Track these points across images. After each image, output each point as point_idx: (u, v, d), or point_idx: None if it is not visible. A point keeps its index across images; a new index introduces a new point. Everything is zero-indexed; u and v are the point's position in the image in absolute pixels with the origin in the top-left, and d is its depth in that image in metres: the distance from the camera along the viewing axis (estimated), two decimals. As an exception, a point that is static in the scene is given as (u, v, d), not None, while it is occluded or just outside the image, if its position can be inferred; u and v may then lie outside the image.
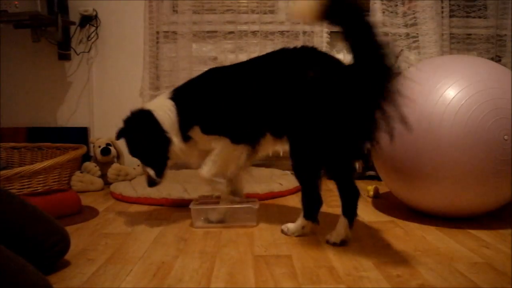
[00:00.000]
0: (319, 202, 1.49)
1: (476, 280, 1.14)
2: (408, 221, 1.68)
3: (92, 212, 1.86)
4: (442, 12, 2.59)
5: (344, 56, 2.75)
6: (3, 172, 1.97)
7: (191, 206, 1.66)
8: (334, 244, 1.42)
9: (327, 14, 1.33)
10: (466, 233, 1.53)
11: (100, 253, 1.37)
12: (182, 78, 2.46)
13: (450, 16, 2.61)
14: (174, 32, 2.64)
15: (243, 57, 2.63)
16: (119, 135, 1.67)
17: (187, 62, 2.62)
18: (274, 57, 1.57)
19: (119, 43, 2.77)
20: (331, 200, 2.07)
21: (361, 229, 1.60)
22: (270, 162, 2.67)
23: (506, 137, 1.49)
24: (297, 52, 1.53)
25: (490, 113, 1.49)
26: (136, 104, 1.95)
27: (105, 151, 2.45)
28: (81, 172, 2.38)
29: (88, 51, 2.76)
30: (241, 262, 1.29)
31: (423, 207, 1.71)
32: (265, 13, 2.66)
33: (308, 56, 1.52)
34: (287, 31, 2.64)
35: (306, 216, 1.51)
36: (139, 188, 2.12)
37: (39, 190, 2.00)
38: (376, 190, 2.11)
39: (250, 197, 1.81)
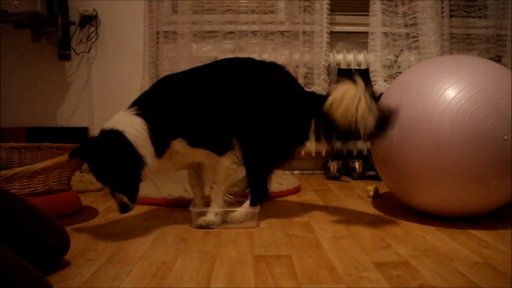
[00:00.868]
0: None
1: (476, 280, 1.14)
2: (408, 221, 1.68)
3: (92, 212, 1.86)
4: (442, 12, 2.59)
5: (344, 56, 2.76)
6: (3, 172, 1.97)
7: (191, 208, 1.66)
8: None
9: None
10: (466, 233, 1.53)
11: (100, 253, 1.37)
12: (182, 78, 2.46)
13: (450, 16, 2.61)
14: (174, 32, 2.64)
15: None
16: (83, 159, 1.56)
17: (187, 62, 2.62)
18: (222, 66, 1.72)
19: (119, 43, 2.77)
20: (331, 200, 2.08)
21: (361, 229, 1.60)
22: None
23: (506, 137, 1.49)
24: (244, 64, 1.74)
25: (490, 113, 1.49)
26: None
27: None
28: (81, 172, 2.38)
29: (88, 51, 2.76)
30: (241, 262, 1.29)
31: (423, 207, 1.71)
32: (265, 13, 2.66)
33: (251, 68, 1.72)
34: (287, 31, 2.64)
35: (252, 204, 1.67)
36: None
37: (39, 190, 2.00)
38: (376, 190, 2.11)
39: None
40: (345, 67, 2.66)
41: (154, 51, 2.67)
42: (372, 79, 2.54)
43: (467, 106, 1.51)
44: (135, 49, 2.72)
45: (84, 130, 2.76)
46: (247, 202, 1.68)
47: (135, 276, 1.19)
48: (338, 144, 2.72)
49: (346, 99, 1.50)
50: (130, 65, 2.73)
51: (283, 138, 1.67)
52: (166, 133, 1.55)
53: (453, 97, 1.53)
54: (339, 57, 2.68)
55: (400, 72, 2.52)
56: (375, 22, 2.58)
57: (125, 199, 1.51)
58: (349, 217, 1.76)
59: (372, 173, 2.56)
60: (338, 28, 2.75)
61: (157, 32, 2.67)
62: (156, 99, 1.62)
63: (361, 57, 2.68)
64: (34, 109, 2.82)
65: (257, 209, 1.66)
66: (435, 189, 1.58)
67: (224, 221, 1.65)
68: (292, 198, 2.14)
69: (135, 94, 1.71)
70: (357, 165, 2.63)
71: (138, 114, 1.53)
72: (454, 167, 1.51)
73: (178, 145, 1.58)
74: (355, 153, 2.73)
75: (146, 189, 2.08)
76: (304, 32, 2.63)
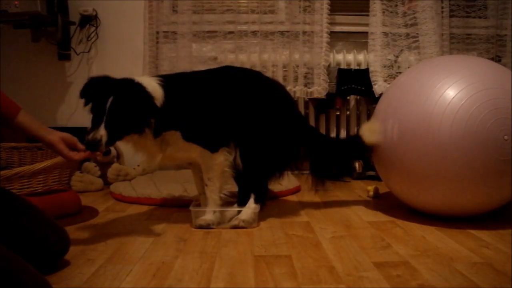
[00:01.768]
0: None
1: (476, 280, 1.14)
2: (408, 221, 1.68)
3: (92, 212, 1.86)
4: (442, 12, 2.59)
5: (344, 56, 2.77)
6: (3, 172, 1.97)
7: (191, 208, 1.66)
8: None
9: None
10: (466, 233, 1.53)
11: (100, 253, 1.37)
12: (182, 78, 2.46)
13: (450, 16, 2.61)
14: (174, 32, 2.64)
15: (243, 57, 2.63)
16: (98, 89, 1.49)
17: (187, 62, 2.62)
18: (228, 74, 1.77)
19: (119, 43, 2.77)
20: (331, 200, 2.08)
21: (361, 229, 1.60)
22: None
23: (506, 137, 1.49)
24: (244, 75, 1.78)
25: (490, 113, 1.49)
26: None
27: (105, 151, 2.45)
28: (81, 172, 2.38)
29: (88, 51, 2.76)
30: (241, 262, 1.29)
31: (423, 207, 1.71)
32: (265, 13, 2.66)
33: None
34: (287, 31, 2.64)
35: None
36: (139, 188, 2.12)
37: (39, 190, 2.00)
38: (376, 190, 2.11)
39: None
40: (345, 67, 2.66)
41: (154, 51, 2.67)
42: (372, 79, 2.54)
43: (467, 106, 1.51)
44: (135, 49, 2.72)
45: (84, 130, 2.74)
46: (251, 201, 1.68)
47: (135, 276, 1.19)
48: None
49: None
50: (130, 65, 2.73)
51: (274, 155, 1.72)
52: (164, 121, 1.55)
53: (453, 97, 1.53)
54: (339, 57, 2.68)
55: (400, 72, 2.52)
56: (375, 22, 2.58)
57: (104, 139, 1.42)
58: (349, 217, 1.76)
59: (372, 173, 2.56)
60: (338, 28, 2.75)
61: (157, 32, 2.67)
62: (174, 87, 1.62)
63: (361, 57, 2.68)
64: (34, 109, 2.81)
65: (257, 209, 1.66)
66: (435, 189, 1.58)
67: (234, 226, 1.62)
68: (292, 198, 2.14)
69: (135, 94, 1.70)
70: (357, 165, 2.63)
71: (162, 85, 1.56)
72: (454, 167, 1.51)
73: (172, 137, 1.58)
74: (355, 153, 2.73)
75: (146, 189, 2.08)
76: (304, 32, 2.63)
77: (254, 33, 2.64)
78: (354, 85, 2.58)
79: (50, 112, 2.81)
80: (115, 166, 2.44)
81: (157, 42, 2.68)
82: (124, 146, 1.68)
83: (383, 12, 2.58)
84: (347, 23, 2.77)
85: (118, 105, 1.43)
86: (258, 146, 1.68)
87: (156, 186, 2.17)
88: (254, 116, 1.68)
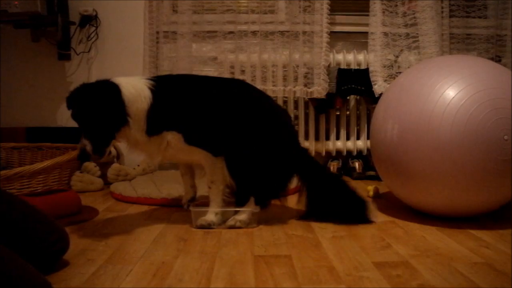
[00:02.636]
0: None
1: (476, 280, 1.14)
2: (408, 221, 1.68)
3: (92, 212, 1.86)
4: (442, 12, 2.59)
5: (344, 56, 2.77)
6: (3, 172, 1.97)
7: (191, 208, 1.66)
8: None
9: None
10: (466, 233, 1.53)
11: (100, 253, 1.37)
12: (182, 78, 2.46)
13: (450, 16, 2.61)
14: (174, 32, 2.64)
15: (243, 57, 2.63)
16: (71, 100, 1.55)
17: (187, 62, 2.62)
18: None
19: (119, 43, 2.77)
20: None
21: (361, 229, 1.60)
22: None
23: (506, 137, 1.49)
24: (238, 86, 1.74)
25: (490, 113, 1.49)
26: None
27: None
28: (81, 172, 2.38)
29: (88, 51, 2.76)
30: (241, 262, 1.29)
31: (423, 207, 1.71)
32: (265, 13, 2.66)
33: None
34: (287, 31, 2.64)
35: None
36: (139, 188, 2.12)
37: (39, 190, 2.00)
38: (376, 190, 2.11)
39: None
40: (345, 67, 2.66)
41: (154, 51, 2.67)
42: (372, 79, 2.54)
43: (467, 106, 1.51)
44: (135, 49, 2.72)
45: (84, 130, 2.76)
46: (251, 203, 1.67)
47: (135, 276, 1.19)
48: (338, 144, 2.73)
49: None
50: (130, 65, 2.73)
51: (264, 167, 1.64)
52: (163, 119, 1.56)
53: (453, 97, 1.53)
54: (339, 57, 2.68)
55: (400, 72, 2.52)
56: (375, 22, 2.58)
57: (89, 147, 1.48)
58: (349, 217, 1.76)
59: (372, 173, 2.56)
60: (338, 28, 2.75)
61: (157, 32, 2.67)
62: (171, 86, 1.63)
63: (361, 57, 2.68)
64: (34, 109, 2.81)
65: (257, 209, 1.66)
66: (435, 189, 1.58)
67: (230, 226, 1.62)
68: (292, 198, 2.14)
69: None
70: (357, 165, 2.63)
71: (149, 87, 1.56)
72: (454, 167, 1.51)
73: (173, 138, 1.58)
74: (355, 153, 2.73)
75: (146, 189, 2.08)
76: (304, 32, 2.63)
77: (254, 33, 2.64)
78: (354, 85, 2.59)
79: (50, 112, 2.81)
80: (115, 166, 2.44)
81: (157, 42, 2.68)
82: (123, 146, 1.68)
83: (383, 12, 2.58)
84: (347, 23, 2.77)
85: (84, 112, 1.49)
86: (250, 157, 1.61)
87: (156, 186, 2.16)
88: (249, 131, 1.63)
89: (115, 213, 1.86)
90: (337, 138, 2.74)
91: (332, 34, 2.65)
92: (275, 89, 2.62)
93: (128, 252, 1.38)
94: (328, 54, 2.62)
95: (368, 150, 2.67)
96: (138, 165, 2.52)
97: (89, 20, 2.73)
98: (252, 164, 1.61)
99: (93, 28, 2.74)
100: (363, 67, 2.65)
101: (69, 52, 2.75)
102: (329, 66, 2.63)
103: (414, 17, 2.58)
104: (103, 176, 2.41)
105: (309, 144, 2.69)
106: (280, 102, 2.63)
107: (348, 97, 2.71)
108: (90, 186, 2.32)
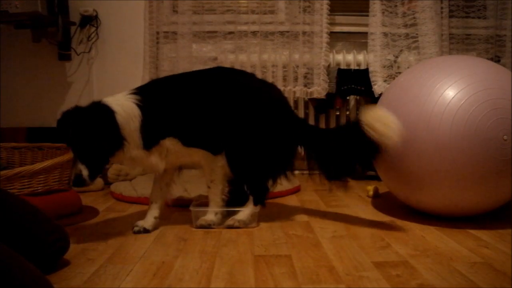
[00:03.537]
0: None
1: (476, 280, 1.15)
2: (408, 221, 1.68)
3: (92, 212, 1.86)
4: (442, 12, 2.59)
5: (344, 56, 2.77)
6: (3, 172, 1.97)
7: (191, 208, 1.66)
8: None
9: None
10: (466, 233, 1.54)
11: (100, 253, 1.38)
12: (182, 78, 2.46)
13: (450, 17, 2.61)
14: (174, 32, 2.64)
15: (243, 57, 2.63)
16: (64, 124, 1.50)
17: (187, 62, 2.63)
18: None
19: (119, 43, 2.77)
20: (331, 200, 2.08)
21: (361, 229, 1.61)
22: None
23: (505, 137, 1.50)
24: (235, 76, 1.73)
25: (490, 113, 1.50)
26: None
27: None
28: (81, 172, 2.37)
29: (89, 52, 2.77)
30: (241, 262, 1.29)
31: (423, 207, 1.71)
32: (265, 13, 2.66)
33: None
34: (287, 31, 2.64)
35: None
36: (139, 188, 2.12)
37: (40, 190, 2.00)
38: (376, 190, 2.11)
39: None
40: (345, 67, 2.66)
41: (154, 51, 2.67)
42: (371, 79, 2.54)
43: (466, 106, 1.51)
44: (135, 50, 2.72)
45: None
46: (250, 203, 1.68)
47: (135, 275, 1.20)
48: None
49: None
50: (130, 65, 2.74)
51: (268, 156, 1.65)
52: (157, 130, 1.56)
53: (453, 97, 1.53)
54: (339, 57, 2.69)
55: (400, 72, 2.52)
56: (375, 22, 2.58)
57: (84, 173, 1.44)
58: (349, 217, 1.77)
59: (372, 173, 2.56)
60: (338, 28, 2.75)
61: (157, 33, 2.67)
62: (156, 95, 1.62)
63: (360, 57, 2.68)
64: (34, 109, 2.82)
65: (257, 209, 1.66)
66: (435, 189, 1.58)
67: (229, 226, 1.62)
68: (292, 198, 2.14)
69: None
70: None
71: (136, 103, 1.55)
72: (453, 167, 1.51)
73: (171, 144, 1.58)
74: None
75: (146, 189, 2.08)
76: (304, 33, 2.63)
77: (254, 33, 2.64)
78: (354, 85, 2.59)
79: (50, 112, 2.81)
80: (116, 166, 2.44)
81: (157, 43, 2.68)
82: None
83: (383, 13, 2.58)
84: (347, 24, 2.78)
85: (81, 137, 1.46)
86: (249, 149, 1.63)
87: (156, 186, 2.16)
88: (242, 118, 1.63)
89: (115, 213, 1.87)
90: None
91: (332, 34, 2.66)
92: (275, 89, 2.62)
93: (128, 252, 1.39)
94: (328, 54, 2.63)
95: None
96: (138, 165, 2.52)
97: (90, 20, 2.73)
98: (254, 150, 1.62)
99: (94, 29, 2.74)
100: (362, 67, 2.66)
101: (70, 52, 2.76)
102: (329, 66, 2.63)
103: (414, 18, 2.58)
104: (104, 176, 2.41)
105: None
106: (280, 102, 2.63)
107: (348, 97, 2.71)
108: (90, 186, 2.31)
